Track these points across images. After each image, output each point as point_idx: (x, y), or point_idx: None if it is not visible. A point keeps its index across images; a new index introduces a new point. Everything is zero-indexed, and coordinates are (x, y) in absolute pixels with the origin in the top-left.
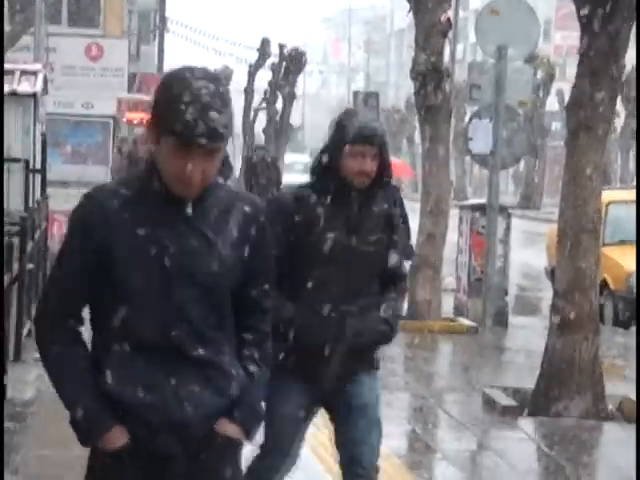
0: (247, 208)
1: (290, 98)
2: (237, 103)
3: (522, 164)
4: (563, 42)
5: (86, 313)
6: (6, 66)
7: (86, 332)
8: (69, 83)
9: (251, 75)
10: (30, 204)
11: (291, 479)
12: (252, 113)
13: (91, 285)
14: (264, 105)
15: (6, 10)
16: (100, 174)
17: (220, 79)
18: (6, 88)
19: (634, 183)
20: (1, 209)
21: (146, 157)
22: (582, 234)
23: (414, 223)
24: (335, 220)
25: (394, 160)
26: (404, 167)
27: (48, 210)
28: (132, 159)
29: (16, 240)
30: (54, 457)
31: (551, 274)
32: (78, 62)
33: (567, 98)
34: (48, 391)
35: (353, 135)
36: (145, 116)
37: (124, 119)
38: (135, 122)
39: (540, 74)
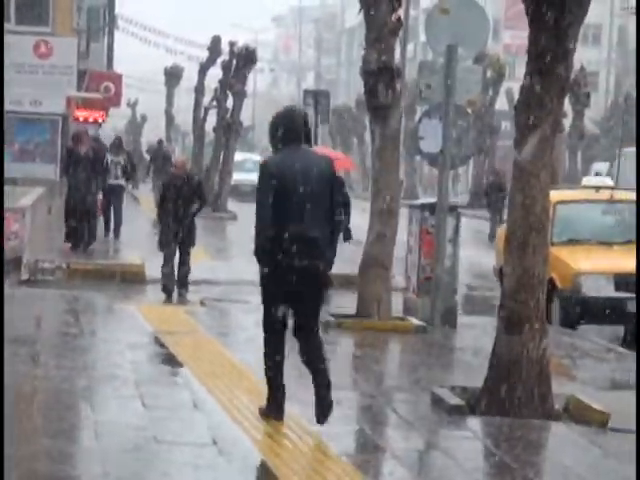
0: None
1: (240, 96)
2: (187, 101)
3: (471, 163)
4: (512, 41)
5: None
6: None
7: None
8: (17, 81)
9: (201, 73)
10: None
11: None
12: (202, 111)
13: None
14: (214, 103)
15: None
16: (49, 172)
17: None
18: None
19: (583, 182)
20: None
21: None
22: (530, 233)
23: (364, 222)
24: None
25: (337, 154)
26: (346, 160)
27: None
28: (73, 157)
29: None
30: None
31: (500, 273)
32: (27, 59)
33: (516, 97)
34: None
35: None
36: (94, 114)
37: (73, 117)
38: (85, 120)
39: (490, 73)
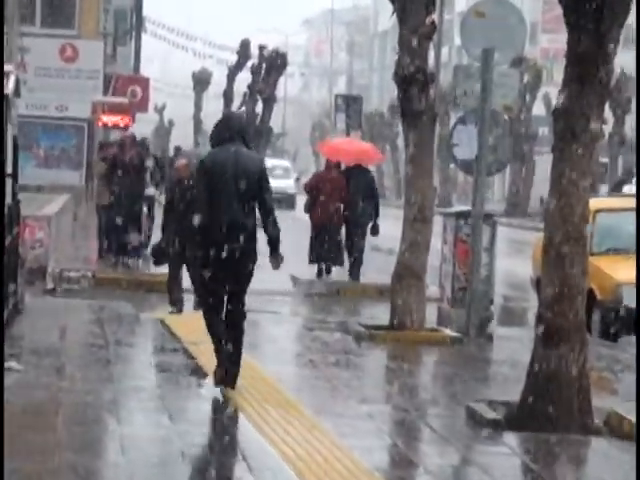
0: None
1: (270, 101)
2: (216, 106)
3: (507, 171)
4: (550, 45)
5: None
6: None
7: None
8: (43, 85)
9: (230, 77)
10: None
11: None
12: None
13: None
14: (243, 109)
15: None
16: (74, 179)
17: None
18: None
19: (624, 190)
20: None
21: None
22: (568, 243)
23: (397, 231)
24: None
25: (367, 146)
26: (376, 153)
27: (20, 215)
28: (116, 163)
29: None
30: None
31: (537, 284)
32: (52, 63)
33: (554, 103)
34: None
35: None
36: (121, 119)
37: (99, 122)
38: (111, 125)
39: (527, 78)
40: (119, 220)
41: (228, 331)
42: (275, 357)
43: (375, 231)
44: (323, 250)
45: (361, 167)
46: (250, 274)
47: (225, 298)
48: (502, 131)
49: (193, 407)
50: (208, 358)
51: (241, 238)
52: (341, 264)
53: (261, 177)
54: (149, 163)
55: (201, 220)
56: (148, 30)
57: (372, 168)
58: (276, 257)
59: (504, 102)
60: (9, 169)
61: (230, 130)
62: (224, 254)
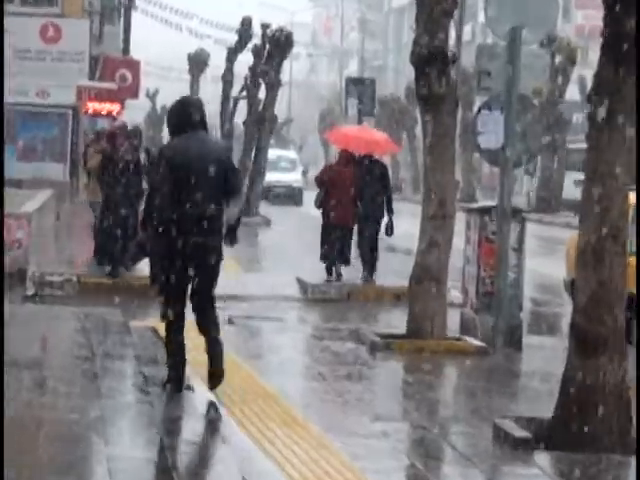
0: None
1: (274, 85)
2: (215, 91)
3: (538, 162)
4: (585, 22)
5: None
6: None
7: None
8: (22, 69)
9: (230, 59)
10: None
11: None
12: (231, 102)
13: None
14: (244, 94)
15: None
16: (57, 172)
17: None
18: None
19: None
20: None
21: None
22: (606, 241)
23: (415, 229)
24: None
25: (379, 135)
26: (389, 144)
27: None
28: (107, 157)
29: None
30: None
31: (571, 287)
32: (32, 45)
33: (589, 86)
34: None
35: None
36: (108, 106)
37: (85, 110)
38: (98, 113)
39: (559, 59)
40: (115, 228)
41: (203, 334)
42: (280, 369)
43: (389, 230)
44: (334, 251)
45: (373, 157)
46: (215, 269)
47: (190, 300)
48: (532, 117)
49: (187, 425)
50: (204, 369)
51: (206, 232)
52: (348, 263)
53: (227, 167)
54: (141, 156)
55: (163, 213)
56: (138, 7)
57: (386, 159)
58: (232, 236)
59: (533, 85)
60: None
61: (191, 117)
62: (188, 248)
